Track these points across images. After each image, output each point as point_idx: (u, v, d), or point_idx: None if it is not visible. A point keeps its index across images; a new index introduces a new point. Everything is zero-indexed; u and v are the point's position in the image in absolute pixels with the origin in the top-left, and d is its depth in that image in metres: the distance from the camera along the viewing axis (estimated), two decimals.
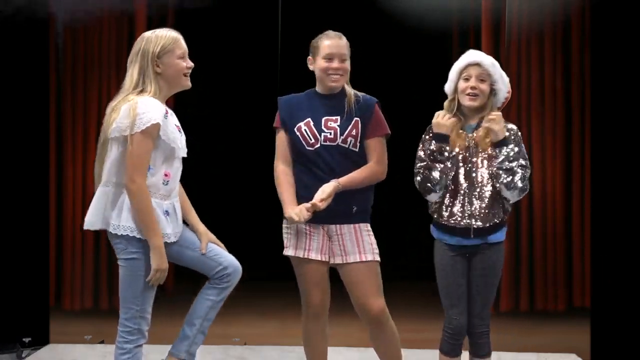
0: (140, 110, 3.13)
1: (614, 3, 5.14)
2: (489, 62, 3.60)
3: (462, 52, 3.68)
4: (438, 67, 6.91)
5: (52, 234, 5.44)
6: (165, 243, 3.26)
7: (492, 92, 3.59)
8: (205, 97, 7.39)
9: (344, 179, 3.58)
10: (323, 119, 3.64)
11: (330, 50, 3.60)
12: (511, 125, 3.60)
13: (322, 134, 3.62)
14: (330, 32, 3.67)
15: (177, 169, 3.34)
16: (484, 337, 3.60)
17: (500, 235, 3.58)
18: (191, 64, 3.31)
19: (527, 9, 5.27)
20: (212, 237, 3.55)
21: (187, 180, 7.14)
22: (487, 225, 3.55)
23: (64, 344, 5.20)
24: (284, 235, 3.75)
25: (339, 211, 3.61)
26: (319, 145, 3.62)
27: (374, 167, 3.66)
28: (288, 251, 3.72)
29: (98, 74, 5.51)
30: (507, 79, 3.64)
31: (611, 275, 5.16)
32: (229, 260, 3.54)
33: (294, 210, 3.55)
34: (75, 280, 5.48)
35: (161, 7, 5.69)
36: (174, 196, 3.35)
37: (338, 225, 3.64)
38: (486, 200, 3.55)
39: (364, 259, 3.62)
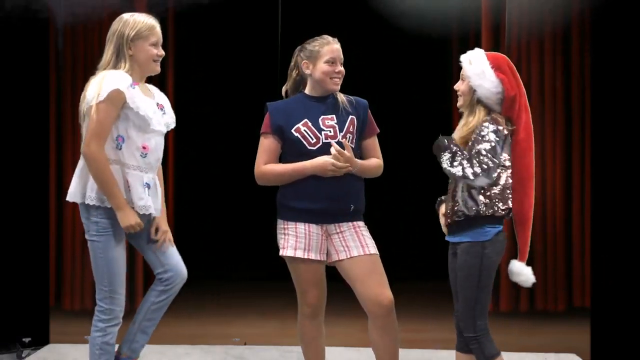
0: (106, 81, 3.29)
1: (614, 4, 5.14)
2: (465, 59, 3.56)
3: (462, 53, 3.66)
4: (438, 69, 6.95)
5: (52, 234, 5.44)
6: (144, 215, 3.41)
7: (471, 89, 3.51)
8: (205, 96, 7.40)
9: (361, 162, 3.69)
10: (320, 119, 3.70)
11: (333, 54, 3.71)
12: (483, 125, 3.43)
13: (322, 132, 3.68)
14: (327, 37, 3.76)
15: (156, 143, 3.45)
16: (472, 344, 3.47)
17: (465, 237, 3.45)
18: (162, 53, 3.46)
19: (527, 10, 5.27)
20: (167, 228, 3.62)
21: (188, 181, 7.15)
22: (451, 223, 3.51)
23: (64, 344, 5.21)
24: (280, 236, 3.74)
25: (338, 210, 3.69)
26: (320, 144, 3.66)
27: (380, 162, 3.81)
28: (286, 251, 3.69)
29: None
30: (489, 73, 3.46)
31: (611, 275, 5.16)
32: (173, 264, 3.60)
33: (328, 158, 3.57)
34: (75, 280, 5.48)
35: (161, 7, 5.68)
36: (153, 171, 3.46)
37: (337, 224, 3.70)
38: (451, 199, 3.50)
39: (367, 252, 3.69)
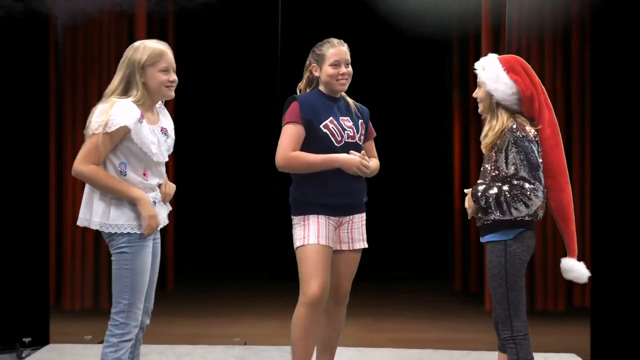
0: (114, 112, 3.27)
1: (614, 4, 5.14)
2: (479, 65, 3.59)
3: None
4: (438, 70, 6.95)
5: (52, 234, 5.44)
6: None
7: (488, 94, 3.52)
8: (206, 97, 7.41)
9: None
10: (340, 119, 3.85)
11: (337, 57, 3.82)
12: (507, 129, 3.44)
13: (345, 131, 3.84)
14: (333, 40, 3.87)
15: (157, 170, 3.47)
16: (508, 344, 3.51)
17: (490, 237, 3.49)
18: (173, 78, 3.43)
19: (527, 10, 5.28)
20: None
21: (189, 181, 7.14)
22: (478, 225, 3.56)
23: (64, 344, 5.20)
24: (298, 229, 3.80)
25: (355, 202, 3.88)
26: (343, 142, 3.82)
27: (378, 163, 4.01)
28: (308, 240, 3.75)
29: (98, 74, 5.51)
30: (503, 76, 3.48)
31: (611, 275, 5.17)
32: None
33: (353, 156, 3.77)
34: (75, 280, 5.49)
35: (161, 7, 5.68)
36: (156, 189, 3.46)
37: (350, 215, 3.87)
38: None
39: (363, 246, 3.93)
